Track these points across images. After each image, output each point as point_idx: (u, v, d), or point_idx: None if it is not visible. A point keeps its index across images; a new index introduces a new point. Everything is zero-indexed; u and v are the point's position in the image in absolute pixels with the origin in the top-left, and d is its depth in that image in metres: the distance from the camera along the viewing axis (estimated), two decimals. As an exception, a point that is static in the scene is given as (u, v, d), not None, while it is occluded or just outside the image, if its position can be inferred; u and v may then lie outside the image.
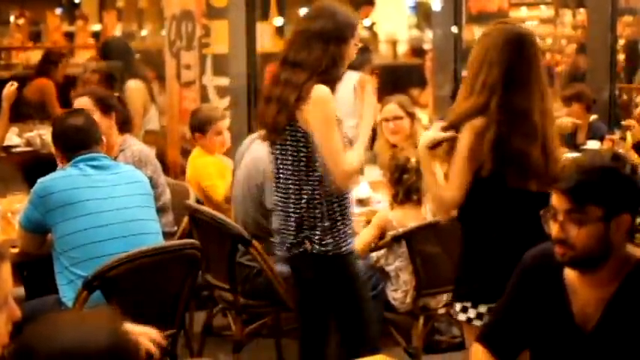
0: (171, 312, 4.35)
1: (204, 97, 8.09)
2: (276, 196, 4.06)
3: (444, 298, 4.98)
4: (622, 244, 2.75)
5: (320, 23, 3.91)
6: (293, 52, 3.92)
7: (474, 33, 13.90)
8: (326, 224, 3.91)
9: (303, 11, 13.62)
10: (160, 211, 5.02)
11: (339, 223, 3.95)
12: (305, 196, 3.92)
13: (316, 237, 3.91)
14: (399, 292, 4.88)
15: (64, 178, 4.29)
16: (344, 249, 3.97)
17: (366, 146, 4.21)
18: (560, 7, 13.75)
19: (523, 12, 14.30)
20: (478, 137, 3.54)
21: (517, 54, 3.61)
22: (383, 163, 5.94)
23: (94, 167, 4.35)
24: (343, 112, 8.74)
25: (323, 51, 3.90)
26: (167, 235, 4.89)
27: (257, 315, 5.18)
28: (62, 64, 9.47)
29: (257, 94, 7.59)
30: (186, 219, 5.19)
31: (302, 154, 3.91)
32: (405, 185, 4.96)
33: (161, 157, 6.37)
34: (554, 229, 2.74)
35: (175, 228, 5.27)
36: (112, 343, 1.81)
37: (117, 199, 4.32)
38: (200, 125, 6.13)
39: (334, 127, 3.91)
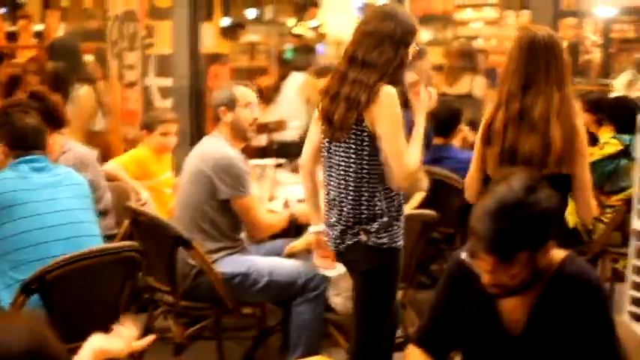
0: (111, 315, 4.30)
1: (147, 98, 8.05)
2: (332, 191, 4.11)
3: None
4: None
5: (389, 26, 3.96)
6: (362, 51, 3.96)
7: (419, 35, 14.00)
8: (385, 219, 4.01)
9: (250, 12, 13.70)
10: (101, 213, 4.98)
11: (394, 220, 4.06)
12: (365, 193, 3.99)
13: (373, 230, 4.01)
14: (340, 297, 4.87)
15: (3, 180, 4.23)
16: (397, 244, 4.09)
17: None
18: (504, 9, 13.85)
19: (468, 14, 14.38)
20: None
21: (532, 61, 4.00)
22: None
23: (34, 169, 4.29)
24: (288, 113, 8.79)
25: (394, 53, 3.95)
26: (108, 238, 4.85)
27: (198, 317, 5.15)
28: (3, 65, 9.35)
29: (200, 95, 7.58)
30: (127, 221, 5.14)
31: (365, 153, 3.96)
32: None
33: (104, 158, 6.31)
34: (484, 277, 2.71)
35: (116, 230, 5.23)
36: (32, 345, 1.78)
37: (59, 201, 4.27)
38: (149, 123, 6.13)
39: (400, 128, 3.94)
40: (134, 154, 6.15)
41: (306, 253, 5.02)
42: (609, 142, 6.16)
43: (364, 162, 3.97)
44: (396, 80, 3.97)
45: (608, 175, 5.95)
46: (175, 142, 6.19)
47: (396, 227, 4.07)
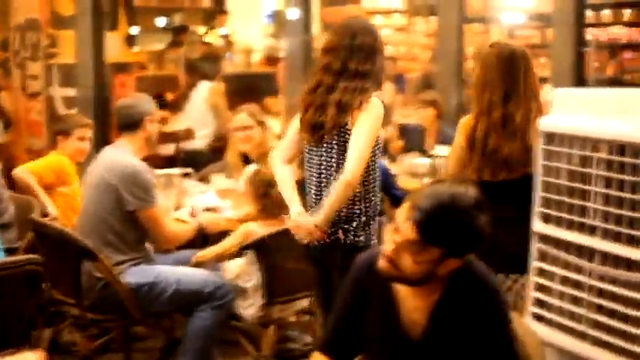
0: (15, 330, 4.21)
1: (51, 109, 7.91)
2: (315, 192, 4.19)
3: (297, 306, 4.97)
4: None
5: (373, 38, 4.21)
6: (355, 64, 4.13)
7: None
8: (362, 219, 4.13)
9: (159, 21, 13.59)
10: (4, 227, 4.88)
11: (371, 220, 4.17)
12: None
13: (351, 229, 4.12)
14: (254, 307, 4.84)
15: None
16: (372, 242, 4.18)
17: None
18: (413, 16, 13.97)
19: (377, 20, 14.45)
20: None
21: (512, 72, 4.39)
22: (233, 173, 5.92)
23: None
24: (196, 122, 8.73)
25: (381, 62, 4.24)
26: (10, 251, 4.75)
27: (106, 329, 5.08)
28: None
29: (105, 105, 7.49)
30: (30, 234, 5.04)
31: (347, 154, 4.07)
32: (271, 199, 4.96)
33: (7, 170, 6.17)
34: (388, 244, 2.73)
35: (19, 243, 5.12)
36: None
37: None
38: (66, 127, 6.04)
39: (371, 140, 4.11)
40: (50, 160, 6.04)
41: (214, 262, 4.98)
42: None
43: (344, 162, 4.06)
44: (380, 86, 4.27)
45: None
46: (90, 147, 6.09)
47: (372, 227, 4.19)
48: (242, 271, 4.86)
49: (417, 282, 2.75)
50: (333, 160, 4.12)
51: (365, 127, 4.04)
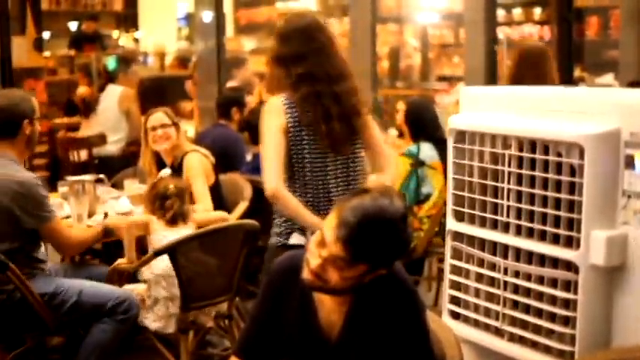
0: None
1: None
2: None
3: (220, 309, 4.94)
4: None
5: (327, 34, 4.09)
6: (338, 66, 3.99)
7: (242, 44, 14.03)
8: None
9: (72, 25, 13.41)
10: None
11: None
12: None
13: None
14: (158, 322, 4.79)
15: None
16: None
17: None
18: (327, 17, 14.00)
19: (291, 22, 14.46)
20: None
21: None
22: (146, 178, 5.85)
23: None
24: (107, 126, 8.61)
25: None
26: None
27: (20, 340, 4.96)
28: None
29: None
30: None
31: (361, 160, 4.15)
32: (170, 210, 4.96)
33: None
34: (314, 260, 2.67)
35: None
36: None
37: None
38: None
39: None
40: None
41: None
42: (399, 162, 6.25)
43: (361, 168, 4.10)
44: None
45: (415, 190, 6.04)
46: None
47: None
48: (154, 280, 4.81)
49: (342, 293, 2.73)
50: (351, 169, 4.08)
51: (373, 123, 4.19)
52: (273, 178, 3.84)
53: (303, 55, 3.93)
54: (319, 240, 2.67)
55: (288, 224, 3.98)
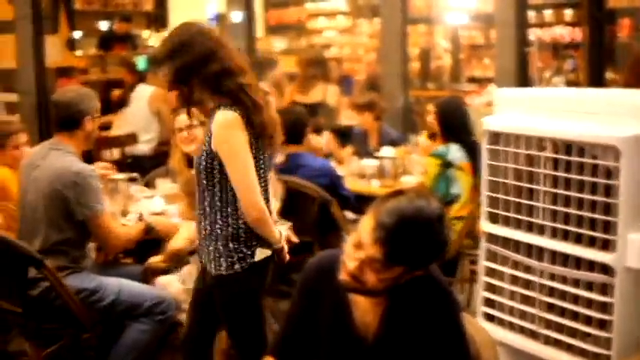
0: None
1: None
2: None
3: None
4: None
5: None
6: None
7: (271, 44, 14.05)
8: None
9: (101, 24, 13.47)
10: (-55, 234, 4.78)
11: None
12: None
13: None
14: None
15: None
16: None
17: None
18: (357, 18, 14.00)
19: (321, 22, 14.49)
20: None
21: None
22: (177, 177, 5.86)
23: None
24: (138, 126, 8.64)
25: None
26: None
27: (55, 337, 4.99)
28: None
29: (48, 110, 7.38)
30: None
31: None
32: None
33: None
34: (351, 262, 2.67)
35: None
36: None
37: None
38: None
39: None
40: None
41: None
42: (428, 163, 6.24)
43: None
44: None
45: (443, 191, 6.03)
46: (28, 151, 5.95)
47: None
48: (188, 273, 4.82)
49: (379, 294, 2.73)
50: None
51: None
52: (260, 199, 3.77)
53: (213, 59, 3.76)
54: (356, 242, 2.67)
55: (247, 245, 3.81)
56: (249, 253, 3.80)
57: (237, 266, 3.79)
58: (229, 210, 3.78)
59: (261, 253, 3.84)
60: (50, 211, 4.71)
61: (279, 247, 3.93)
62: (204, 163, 3.76)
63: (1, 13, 7.73)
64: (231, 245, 3.79)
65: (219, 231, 3.79)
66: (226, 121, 3.67)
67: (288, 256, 4.03)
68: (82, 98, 4.88)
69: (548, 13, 11.19)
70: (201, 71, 3.70)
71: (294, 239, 4.16)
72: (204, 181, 3.79)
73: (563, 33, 10.93)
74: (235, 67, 3.76)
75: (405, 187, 5.68)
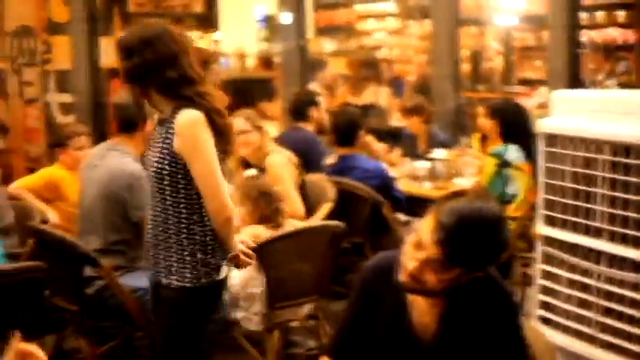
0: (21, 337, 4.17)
1: (48, 115, 7.89)
2: None
3: (303, 310, 4.96)
4: None
5: None
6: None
7: (321, 45, 14.06)
8: None
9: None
10: (4, 232, 4.85)
11: None
12: None
13: None
14: (258, 315, 4.82)
15: None
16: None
17: None
18: (406, 19, 13.97)
19: (370, 24, 14.47)
20: None
21: None
22: (233, 178, 5.89)
23: None
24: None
25: None
26: (12, 257, 4.73)
27: (110, 335, 5.05)
28: None
29: (102, 110, 7.46)
30: (31, 240, 5.02)
31: None
32: (261, 204, 4.98)
33: (5, 177, 6.15)
34: (410, 262, 2.67)
35: (20, 249, 5.09)
36: None
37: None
38: (61, 139, 5.96)
39: None
40: (45, 175, 5.97)
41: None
42: (485, 164, 6.23)
43: None
44: None
45: (500, 191, 6.00)
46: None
47: None
48: (250, 277, 4.83)
49: (438, 294, 2.74)
50: None
51: None
52: (229, 199, 3.66)
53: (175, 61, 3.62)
54: (416, 242, 2.67)
55: (215, 257, 3.69)
56: (215, 268, 3.67)
57: (203, 280, 3.65)
58: (195, 218, 3.62)
59: (224, 271, 3.73)
60: (107, 212, 4.76)
61: (236, 254, 3.77)
62: (167, 169, 3.58)
63: (57, 14, 7.83)
64: (199, 256, 3.64)
65: (184, 241, 3.62)
66: (191, 119, 3.54)
67: (250, 260, 3.88)
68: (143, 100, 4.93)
69: (600, 15, 11.07)
70: (161, 74, 3.57)
71: (252, 243, 3.97)
72: (168, 188, 3.61)
73: (616, 34, 10.82)
74: (195, 76, 3.63)
75: (465, 188, 5.66)
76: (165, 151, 3.58)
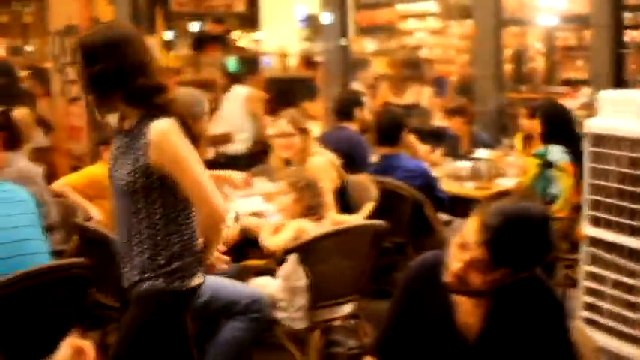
0: (61, 333, 4.21)
1: (92, 113, 7.93)
2: None
3: (345, 309, 4.96)
4: None
5: None
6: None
7: (364, 45, 14.06)
8: None
9: (192, 25, 13.66)
10: (49, 229, 4.89)
11: None
12: None
13: None
14: (300, 311, 4.82)
15: None
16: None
17: None
18: (448, 19, 13.93)
19: (411, 24, 14.44)
20: None
21: None
22: (276, 176, 5.90)
23: None
24: (233, 126, 8.73)
25: None
26: (56, 254, 4.76)
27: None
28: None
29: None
30: (75, 237, 5.06)
31: None
32: (307, 194, 5.00)
33: (49, 175, 6.20)
34: (456, 263, 2.69)
35: (64, 246, 5.14)
36: None
37: (3, 218, 4.17)
38: (105, 137, 5.98)
39: None
40: (89, 173, 6.01)
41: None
42: (527, 165, 6.21)
43: None
44: None
45: (542, 192, 5.97)
46: None
47: None
48: (292, 270, 4.84)
49: (483, 295, 2.73)
50: None
51: None
52: (221, 202, 3.51)
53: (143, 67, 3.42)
54: (461, 243, 2.67)
55: (189, 265, 3.58)
56: (188, 275, 3.56)
57: (176, 284, 3.53)
58: (172, 228, 3.50)
59: (198, 279, 3.62)
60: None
61: (212, 263, 3.73)
62: (140, 183, 3.42)
63: (102, 14, 7.89)
64: (174, 264, 3.51)
65: (161, 252, 3.50)
66: (165, 130, 3.37)
67: (226, 265, 3.85)
68: (194, 100, 4.94)
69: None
70: (130, 81, 3.37)
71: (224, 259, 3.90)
72: (141, 202, 3.45)
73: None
74: (164, 83, 3.48)
75: (508, 189, 5.65)
76: (138, 164, 3.41)
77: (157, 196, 3.43)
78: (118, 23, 3.59)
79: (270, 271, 5.03)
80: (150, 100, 3.38)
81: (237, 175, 5.41)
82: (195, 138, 3.46)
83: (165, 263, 3.49)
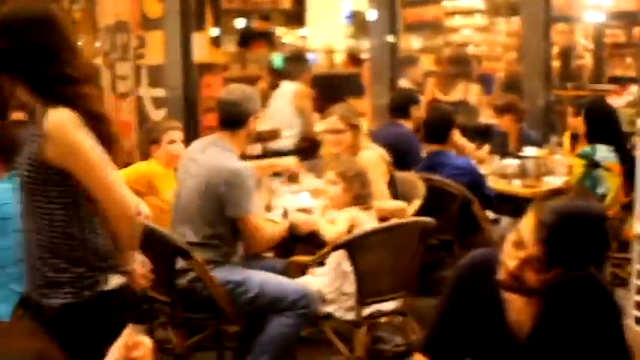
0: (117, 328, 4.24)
1: (141, 109, 8.00)
2: None
3: (390, 306, 4.96)
4: None
5: None
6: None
7: (410, 42, 14.05)
8: None
9: (239, 21, 13.69)
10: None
11: None
12: None
13: None
14: (351, 299, 4.83)
15: (2, 192, 4.18)
16: None
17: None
18: (494, 16, 13.89)
19: (458, 21, 14.42)
20: None
21: None
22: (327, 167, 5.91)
23: None
24: (280, 122, 8.78)
25: None
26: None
27: (199, 327, 5.11)
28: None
29: (193, 105, 7.53)
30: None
31: None
32: (364, 190, 5.04)
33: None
34: (511, 262, 2.67)
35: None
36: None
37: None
38: (155, 134, 6.01)
39: None
40: (139, 169, 6.03)
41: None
42: (573, 165, 6.17)
43: None
44: None
45: (591, 190, 5.93)
46: (182, 149, 6.03)
47: None
48: (342, 257, 4.84)
49: (537, 293, 2.73)
50: None
51: None
52: (130, 199, 3.24)
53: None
54: (516, 241, 2.66)
55: (100, 269, 3.20)
56: (100, 279, 3.19)
57: (86, 293, 3.17)
58: (74, 231, 3.14)
59: (115, 280, 3.25)
60: (203, 206, 4.82)
61: (131, 270, 3.35)
62: (36, 178, 3.11)
63: (151, 10, 7.94)
64: (80, 270, 3.16)
65: (63, 258, 3.15)
66: (60, 121, 3.03)
67: (144, 282, 3.47)
68: (247, 98, 4.97)
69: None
70: (33, 66, 3.07)
71: (148, 267, 3.51)
72: (40, 200, 3.12)
73: None
74: (79, 75, 3.12)
75: (558, 187, 5.63)
76: (33, 158, 3.10)
77: (55, 195, 3.11)
78: (43, 2, 3.19)
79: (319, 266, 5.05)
80: (53, 89, 3.06)
81: (288, 161, 5.43)
82: (111, 139, 3.15)
83: (68, 272, 3.15)
